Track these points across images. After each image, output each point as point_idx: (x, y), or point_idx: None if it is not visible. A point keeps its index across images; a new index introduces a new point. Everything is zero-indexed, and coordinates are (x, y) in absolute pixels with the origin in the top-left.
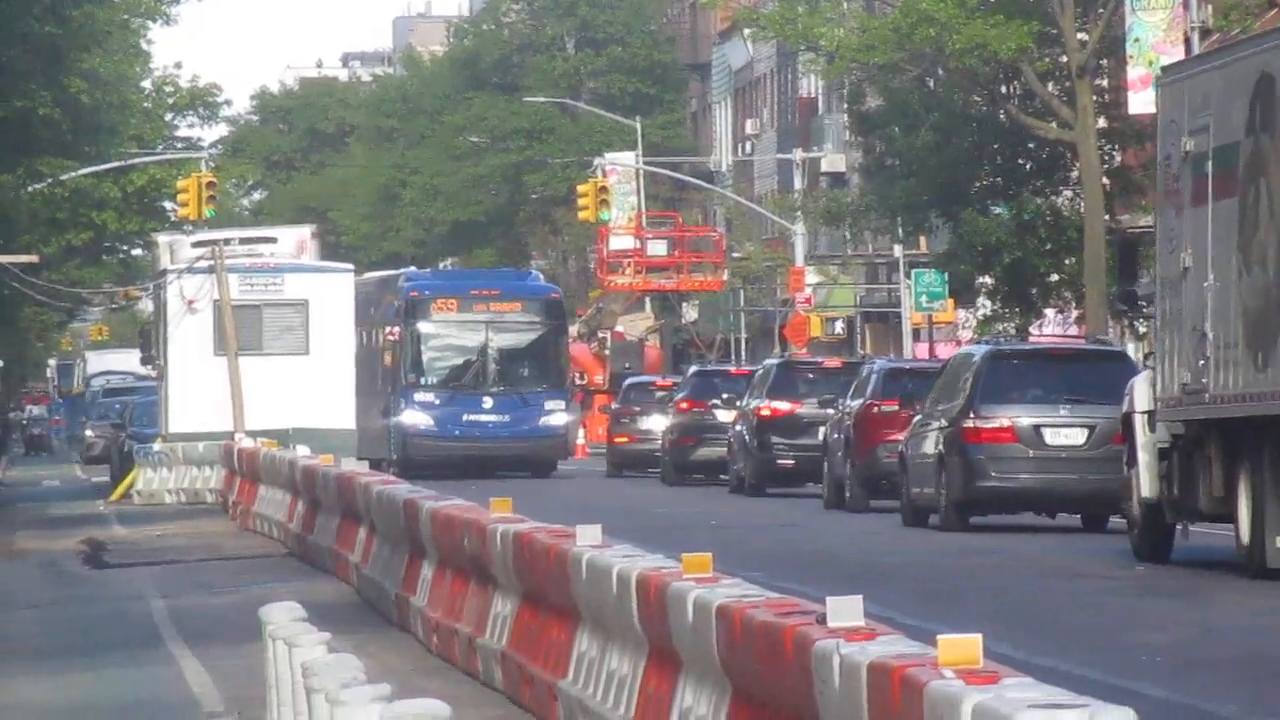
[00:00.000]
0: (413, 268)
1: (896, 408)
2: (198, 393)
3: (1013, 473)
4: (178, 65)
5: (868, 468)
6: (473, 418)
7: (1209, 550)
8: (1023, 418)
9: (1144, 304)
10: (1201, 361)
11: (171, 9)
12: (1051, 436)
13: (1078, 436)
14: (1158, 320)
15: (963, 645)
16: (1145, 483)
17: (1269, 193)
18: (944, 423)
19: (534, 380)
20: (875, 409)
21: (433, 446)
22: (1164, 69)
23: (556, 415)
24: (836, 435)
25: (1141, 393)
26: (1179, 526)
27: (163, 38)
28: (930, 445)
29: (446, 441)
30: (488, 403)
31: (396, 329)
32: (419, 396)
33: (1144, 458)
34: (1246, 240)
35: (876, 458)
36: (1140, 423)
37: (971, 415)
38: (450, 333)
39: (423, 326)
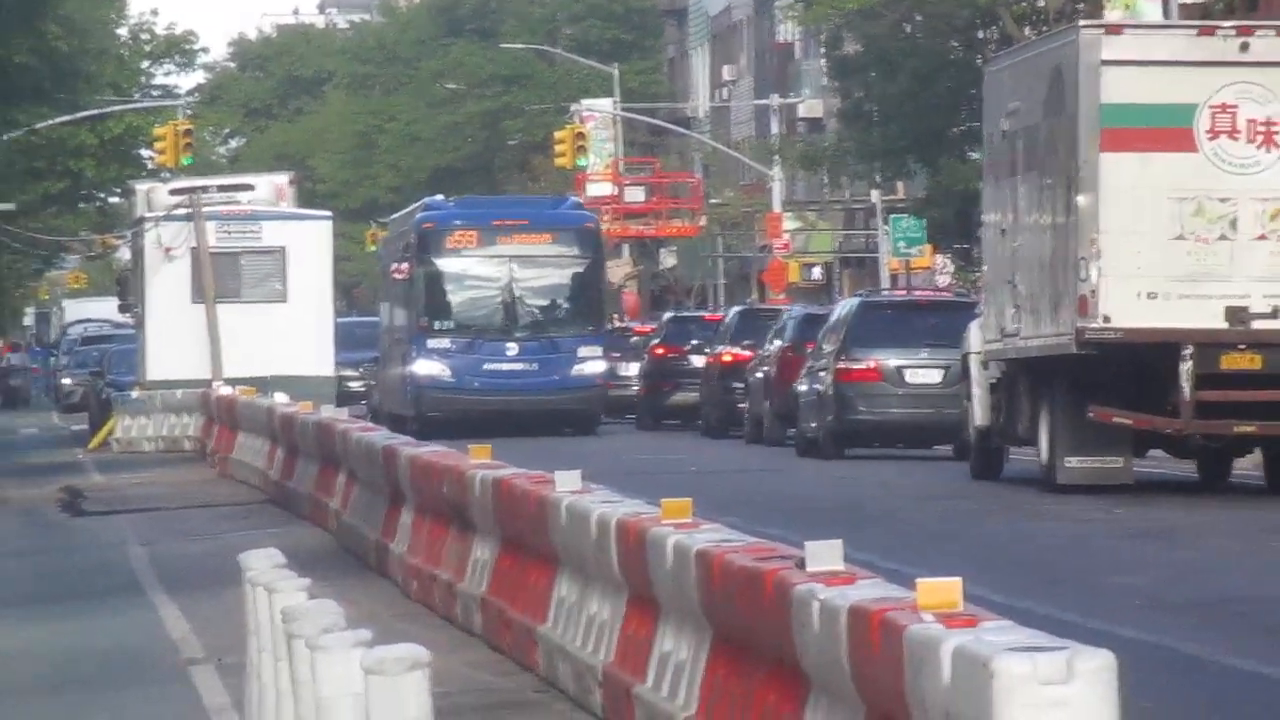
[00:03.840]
0: (439, 196)
1: (810, 351)
2: (175, 340)
3: (880, 408)
4: (154, 12)
5: (783, 405)
6: (495, 367)
7: (1025, 470)
8: (888, 359)
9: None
10: (1013, 310)
11: None
12: (912, 376)
13: (935, 376)
14: (985, 273)
15: (942, 589)
16: (978, 413)
17: (1054, 168)
18: (825, 364)
19: (567, 324)
20: (790, 352)
21: (450, 400)
22: (986, 60)
23: (592, 364)
24: (758, 376)
25: (974, 336)
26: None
27: None
28: (814, 385)
29: (465, 394)
30: (512, 349)
31: (406, 266)
32: (433, 343)
33: (977, 392)
34: (1041, 208)
35: (791, 396)
36: (974, 361)
37: (844, 358)
38: (469, 269)
39: (437, 263)
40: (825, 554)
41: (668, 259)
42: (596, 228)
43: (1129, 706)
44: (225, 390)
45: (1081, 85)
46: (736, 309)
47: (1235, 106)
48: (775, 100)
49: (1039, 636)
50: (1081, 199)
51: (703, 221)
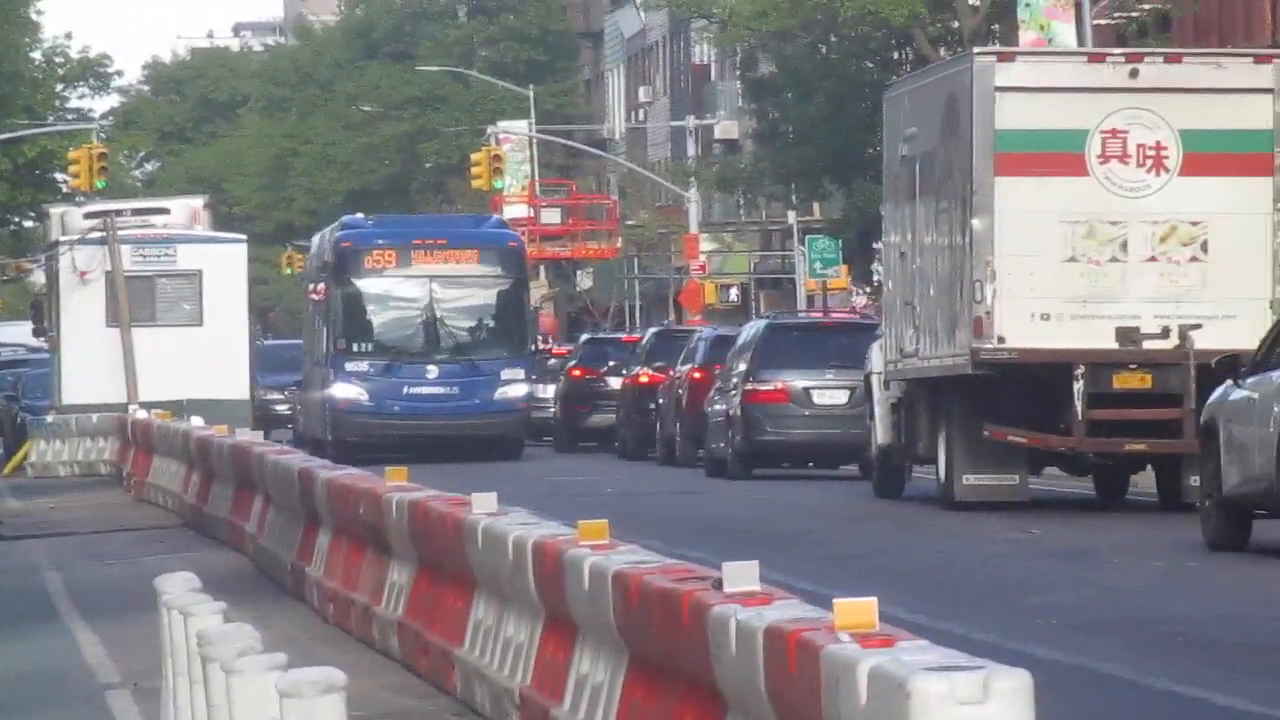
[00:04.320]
0: (359, 215)
1: (719, 373)
2: (91, 364)
3: (787, 429)
4: (68, 36)
5: (694, 426)
6: (416, 390)
7: (927, 488)
8: (795, 381)
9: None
10: (911, 331)
11: None
12: (819, 396)
13: (841, 396)
14: (885, 295)
15: (859, 609)
16: (879, 432)
17: (951, 192)
18: (733, 386)
19: (489, 346)
20: (700, 374)
21: (368, 425)
22: (886, 86)
23: (516, 387)
24: (668, 398)
25: (875, 356)
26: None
27: (52, 8)
28: (722, 406)
29: (384, 419)
30: (433, 372)
31: (323, 286)
32: (351, 366)
33: (878, 411)
34: (938, 231)
35: (702, 417)
36: (876, 381)
37: (751, 379)
38: (388, 290)
39: (355, 283)
40: (742, 575)
41: (584, 281)
42: (520, 247)
43: None
44: (141, 414)
45: (976, 111)
46: (653, 330)
47: (1125, 132)
48: (691, 122)
49: (956, 656)
50: (977, 222)
51: (619, 243)
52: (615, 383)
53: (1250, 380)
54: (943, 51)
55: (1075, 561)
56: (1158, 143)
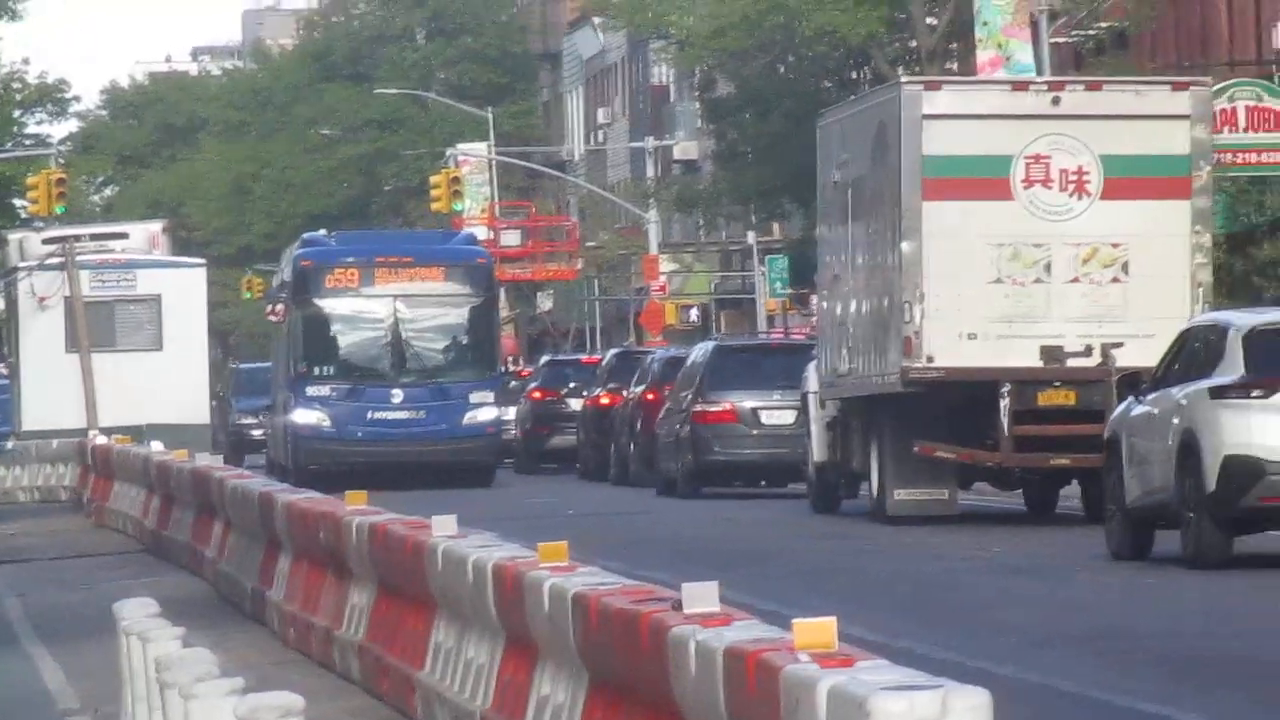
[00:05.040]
0: (321, 231)
1: (668, 394)
2: (51, 390)
3: (736, 448)
4: (25, 61)
5: (648, 447)
6: (380, 415)
7: (861, 504)
8: (743, 401)
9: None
10: (845, 351)
11: (18, 4)
12: (766, 417)
13: (788, 416)
14: (819, 316)
15: (818, 629)
16: (816, 450)
17: (880, 217)
18: (682, 407)
19: (457, 368)
20: (652, 395)
21: (330, 451)
22: (820, 113)
23: (485, 410)
24: (622, 419)
25: (812, 376)
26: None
27: (9, 33)
28: (672, 426)
29: (347, 445)
30: (398, 396)
31: (283, 307)
32: (312, 390)
33: (815, 429)
34: (868, 254)
35: (655, 437)
36: (812, 400)
37: (700, 400)
38: (351, 310)
39: (317, 303)
40: (701, 596)
41: (545, 302)
42: (489, 264)
43: None
44: (101, 439)
45: (905, 138)
46: (614, 352)
47: (1048, 157)
48: (650, 142)
49: (915, 675)
50: (906, 245)
51: (579, 264)
52: (576, 404)
53: (1150, 396)
54: (900, 71)
55: (1038, 576)
56: (1080, 168)
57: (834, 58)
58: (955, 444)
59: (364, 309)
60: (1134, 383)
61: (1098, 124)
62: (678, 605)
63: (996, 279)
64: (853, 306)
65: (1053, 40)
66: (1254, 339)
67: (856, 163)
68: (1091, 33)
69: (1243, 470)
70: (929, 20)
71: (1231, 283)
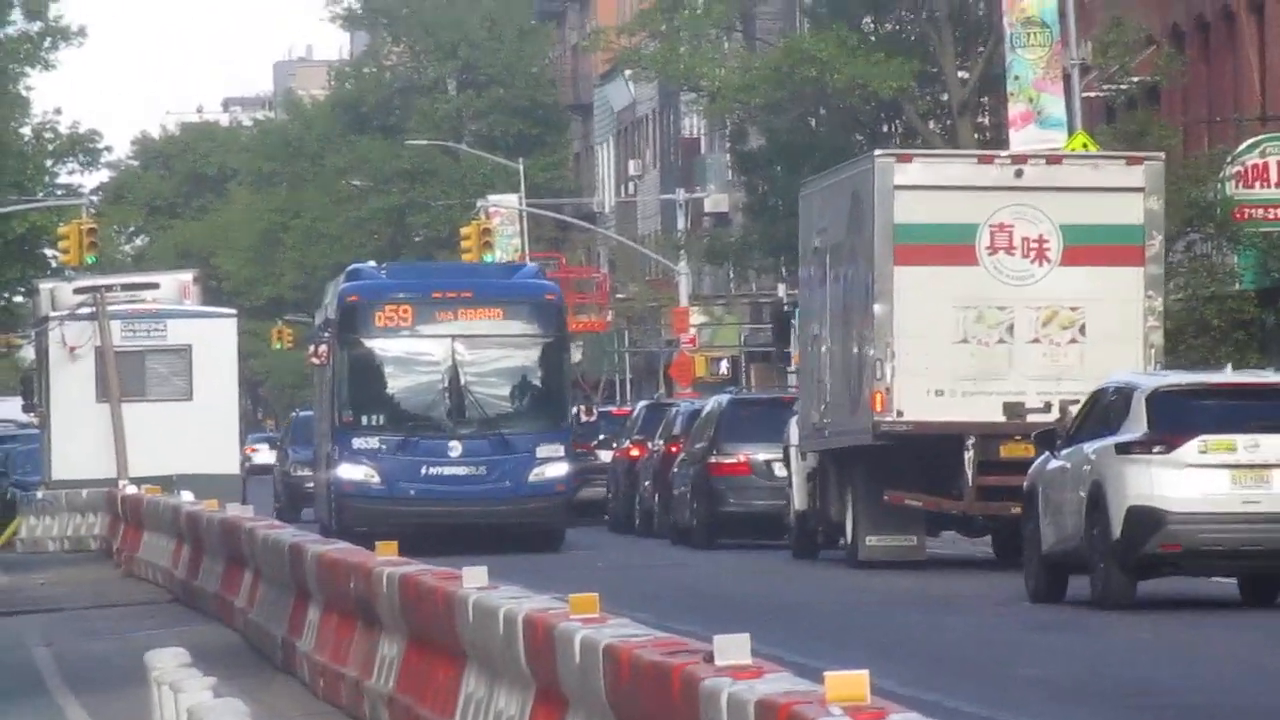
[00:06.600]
0: (370, 263)
1: (684, 446)
2: (81, 440)
3: (749, 500)
4: (58, 111)
5: (669, 498)
6: (435, 471)
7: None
8: (757, 454)
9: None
10: (822, 405)
11: (51, 55)
12: (780, 469)
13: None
14: (800, 373)
15: (850, 682)
16: (797, 499)
17: (855, 280)
18: (697, 458)
19: (522, 417)
20: (675, 447)
21: (379, 511)
22: (803, 183)
23: (553, 465)
24: (647, 470)
25: (793, 430)
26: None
27: (42, 84)
28: (687, 478)
29: (398, 505)
30: (456, 450)
31: (325, 349)
32: (359, 442)
33: (796, 480)
34: (844, 315)
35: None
36: (794, 453)
37: (715, 453)
38: (402, 351)
39: (365, 344)
40: (733, 648)
41: (575, 354)
42: (559, 300)
43: None
44: (131, 489)
45: (877, 207)
46: (643, 404)
47: (1011, 226)
48: (681, 195)
49: None
50: (878, 307)
51: (609, 316)
52: (606, 456)
53: (1064, 451)
54: (932, 124)
55: (1069, 630)
56: (1040, 236)
57: (865, 111)
58: (923, 493)
59: (418, 350)
60: (1049, 439)
61: (1058, 195)
62: (709, 657)
63: (962, 339)
64: (829, 363)
65: (1084, 94)
66: (1157, 399)
67: (834, 229)
68: (1123, 87)
69: (1145, 520)
70: (960, 74)
71: (1264, 337)
